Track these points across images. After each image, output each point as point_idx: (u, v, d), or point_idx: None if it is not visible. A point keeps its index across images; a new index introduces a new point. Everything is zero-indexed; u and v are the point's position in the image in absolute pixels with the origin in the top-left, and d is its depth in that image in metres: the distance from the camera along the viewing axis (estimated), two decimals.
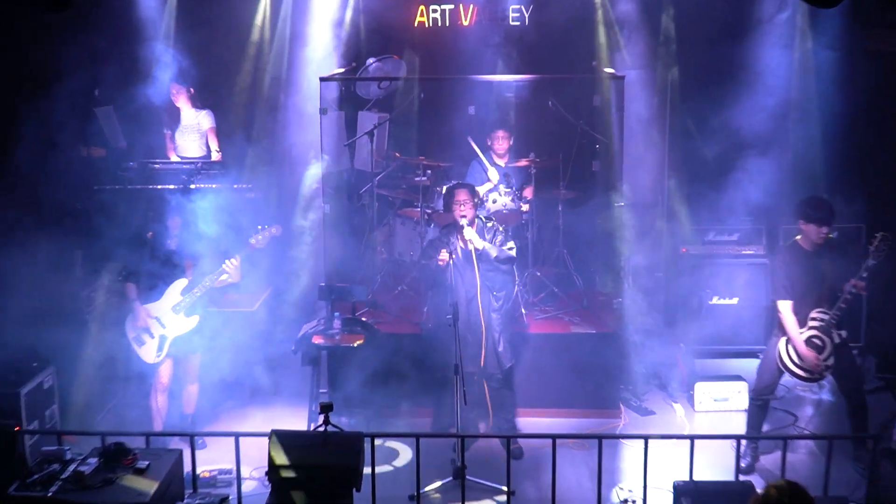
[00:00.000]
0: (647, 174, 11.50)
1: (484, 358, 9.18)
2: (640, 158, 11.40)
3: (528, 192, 11.03)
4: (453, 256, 9.08)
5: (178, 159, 11.32)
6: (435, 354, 9.20)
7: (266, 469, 6.85)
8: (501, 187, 10.82)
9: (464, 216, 9.19)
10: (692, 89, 11.39)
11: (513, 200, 10.75)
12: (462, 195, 9.28)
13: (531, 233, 11.23)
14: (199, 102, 11.39)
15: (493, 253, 9.17)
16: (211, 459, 8.88)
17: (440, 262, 9.03)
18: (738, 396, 10.24)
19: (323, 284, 9.78)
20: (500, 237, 9.28)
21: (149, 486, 7.06)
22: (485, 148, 11.21)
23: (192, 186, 10.51)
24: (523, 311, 10.44)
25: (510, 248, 9.26)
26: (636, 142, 11.32)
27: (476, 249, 9.13)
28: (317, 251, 11.04)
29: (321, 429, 6.95)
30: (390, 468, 9.15)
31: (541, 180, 11.19)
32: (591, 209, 11.47)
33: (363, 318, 10.10)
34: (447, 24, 12.29)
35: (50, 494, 6.93)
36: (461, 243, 9.24)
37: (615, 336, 10.22)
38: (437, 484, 8.74)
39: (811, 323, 8.82)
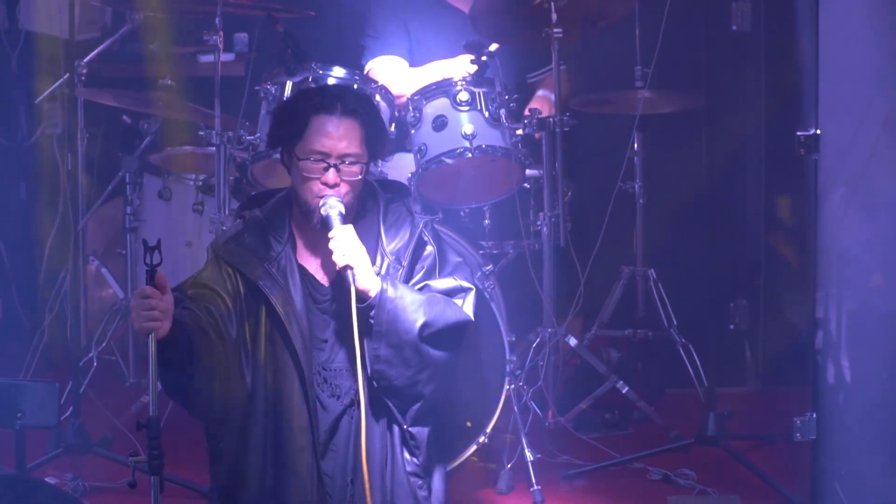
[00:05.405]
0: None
1: None
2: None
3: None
4: (280, 311, 3.77)
5: None
6: None
7: None
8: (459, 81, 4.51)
9: (327, 196, 3.80)
10: None
11: (493, 120, 4.39)
12: (330, 124, 3.78)
13: (548, 220, 4.65)
14: None
15: (412, 311, 3.76)
16: None
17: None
18: None
19: None
20: (424, 267, 3.89)
21: None
22: None
23: None
24: (528, 454, 4.52)
25: (460, 297, 3.82)
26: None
27: (358, 289, 3.74)
28: None
29: None
30: None
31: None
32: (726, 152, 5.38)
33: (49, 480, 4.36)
34: None
35: None
36: (315, 271, 3.92)
37: None
38: None
39: None
